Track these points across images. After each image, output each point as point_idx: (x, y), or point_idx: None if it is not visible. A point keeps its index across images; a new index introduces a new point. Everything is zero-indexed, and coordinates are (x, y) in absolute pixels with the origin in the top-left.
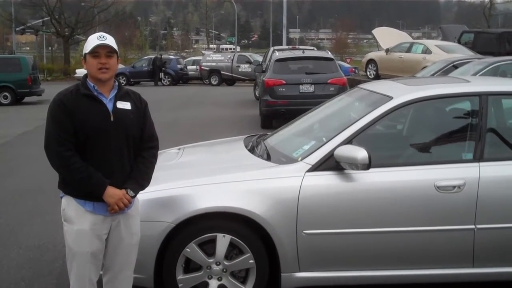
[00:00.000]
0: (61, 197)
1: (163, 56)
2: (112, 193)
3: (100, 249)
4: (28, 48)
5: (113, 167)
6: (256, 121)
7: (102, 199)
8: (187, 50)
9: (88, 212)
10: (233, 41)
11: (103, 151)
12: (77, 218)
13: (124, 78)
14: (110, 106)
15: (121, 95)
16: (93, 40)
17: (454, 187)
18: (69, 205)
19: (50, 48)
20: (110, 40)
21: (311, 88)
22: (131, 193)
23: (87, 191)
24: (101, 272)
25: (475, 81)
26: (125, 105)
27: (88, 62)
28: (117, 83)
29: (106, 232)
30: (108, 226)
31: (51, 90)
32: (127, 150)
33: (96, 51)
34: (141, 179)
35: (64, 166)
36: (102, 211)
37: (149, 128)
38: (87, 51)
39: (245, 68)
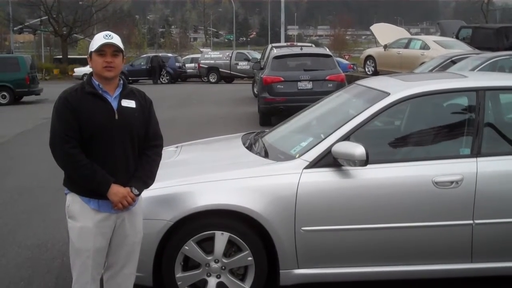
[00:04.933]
0: (66, 194)
1: (160, 55)
2: (116, 191)
3: (104, 246)
4: (21, 50)
5: (118, 165)
6: (255, 119)
7: (107, 197)
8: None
9: (93, 210)
10: (232, 39)
11: (108, 149)
12: (81, 215)
13: (122, 77)
14: (115, 104)
15: (126, 94)
16: (99, 39)
17: (452, 182)
18: (74, 202)
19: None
20: (116, 39)
21: (309, 85)
22: (135, 191)
23: (91, 188)
24: (102, 271)
25: (473, 76)
26: (130, 103)
27: (94, 60)
28: (122, 82)
29: (111, 229)
30: (113, 224)
31: (49, 89)
32: (132, 148)
33: (102, 50)
34: (146, 177)
35: (69, 163)
36: (107, 209)
37: (154, 127)
38: (93, 49)
39: (243, 65)
